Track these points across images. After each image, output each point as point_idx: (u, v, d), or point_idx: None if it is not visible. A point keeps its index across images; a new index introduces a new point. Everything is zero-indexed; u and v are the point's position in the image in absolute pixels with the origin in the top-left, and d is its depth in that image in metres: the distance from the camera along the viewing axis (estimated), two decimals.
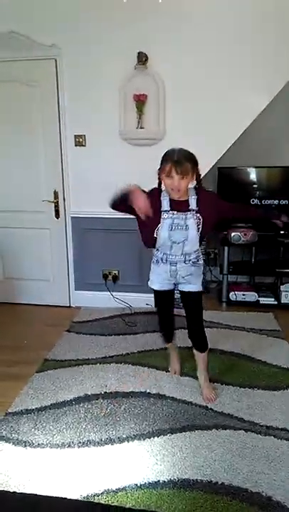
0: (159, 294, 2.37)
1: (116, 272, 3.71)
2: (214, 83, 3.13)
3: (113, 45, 3.16)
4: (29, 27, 3.19)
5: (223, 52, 3.07)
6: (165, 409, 2.32)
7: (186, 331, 2.40)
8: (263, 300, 3.81)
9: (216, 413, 2.29)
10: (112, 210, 3.47)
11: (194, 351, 2.42)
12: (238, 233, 3.65)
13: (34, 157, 3.50)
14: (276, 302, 3.78)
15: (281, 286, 3.79)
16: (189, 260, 2.20)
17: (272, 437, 2.10)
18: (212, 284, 4.20)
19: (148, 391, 2.49)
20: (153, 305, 3.63)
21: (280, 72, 3.04)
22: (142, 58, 3.06)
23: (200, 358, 2.42)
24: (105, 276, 3.72)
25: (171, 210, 2.11)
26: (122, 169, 3.42)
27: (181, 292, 2.32)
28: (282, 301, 3.76)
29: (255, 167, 3.84)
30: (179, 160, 2.00)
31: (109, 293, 3.70)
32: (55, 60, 3.28)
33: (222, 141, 3.22)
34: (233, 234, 3.66)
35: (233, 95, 3.12)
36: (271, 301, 3.80)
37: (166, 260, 2.20)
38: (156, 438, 2.11)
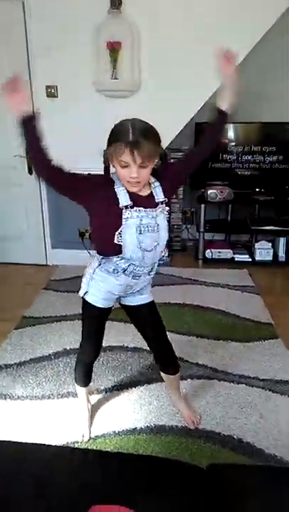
0: (99, 314, 1.72)
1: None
2: (190, 31, 3.00)
3: None
4: None
5: (200, 1, 2.93)
6: (142, 362, 2.39)
7: None
8: (238, 257, 3.87)
9: (191, 364, 2.38)
10: (88, 166, 3.37)
11: (165, 377, 1.92)
12: (215, 191, 3.65)
13: (2, 109, 3.31)
14: (250, 259, 3.86)
15: (256, 244, 3.86)
16: (153, 270, 1.64)
17: (244, 385, 2.21)
18: (189, 242, 4.23)
19: (125, 345, 2.55)
20: None
21: (261, 18, 2.93)
22: (116, 2, 2.89)
23: (174, 381, 1.93)
24: (82, 235, 3.68)
25: (136, 205, 1.48)
26: (96, 122, 3.30)
27: (129, 307, 1.76)
28: (256, 259, 3.84)
29: (233, 123, 3.77)
30: (137, 141, 1.35)
31: (86, 251, 3.68)
32: (23, 3, 3.04)
33: (200, 94, 3.13)
34: (209, 192, 3.65)
35: (213, 44, 2.97)
36: (246, 258, 3.88)
37: (131, 272, 1.57)
38: (133, 388, 2.19)
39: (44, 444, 1.42)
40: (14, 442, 1.39)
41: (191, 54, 3.06)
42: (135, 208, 1.48)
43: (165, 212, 1.55)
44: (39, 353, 2.47)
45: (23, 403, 2.09)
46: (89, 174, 1.57)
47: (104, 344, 2.49)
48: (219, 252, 3.86)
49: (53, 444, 1.79)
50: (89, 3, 2.98)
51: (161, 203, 1.53)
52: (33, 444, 1.45)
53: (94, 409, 2.06)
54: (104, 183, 1.50)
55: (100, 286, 1.64)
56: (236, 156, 3.82)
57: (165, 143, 3.38)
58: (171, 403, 2.06)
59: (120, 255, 1.52)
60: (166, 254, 1.67)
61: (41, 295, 3.21)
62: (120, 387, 2.20)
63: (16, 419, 2.00)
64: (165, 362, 1.87)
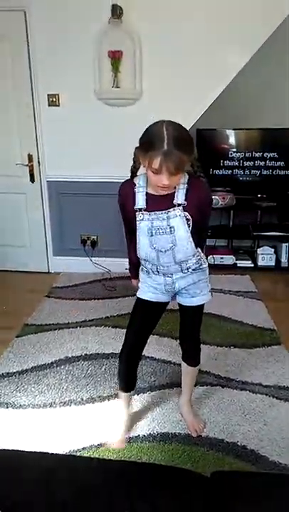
0: (145, 305, 1.75)
1: (95, 237, 3.69)
2: (192, 41, 3.03)
3: None
4: None
5: (203, 9, 2.95)
6: (144, 369, 2.38)
7: None
8: (241, 263, 3.87)
9: None
10: (89, 174, 3.44)
11: (183, 366, 1.98)
12: (217, 197, 3.65)
13: (5, 118, 3.36)
14: (253, 265, 3.85)
15: (258, 250, 3.85)
16: (188, 269, 1.65)
17: (247, 392, 2.19)
18: None
19: None
20: None
21: (260, 28, 2.95)
22: (117, 11, 2.91)
23: (189, 374, 1.98)
24: (84, 242, 3.69)
25: (147, 209, 1.54)
26: (98, 130, 3.34)
27: (180, 305, 1.82)
28: (258, 264, 3.84)
29: (234, 129, 3.79)
30: (171, 152, 1.35)
31: (88, 258, 3.69)
32: (24, 12, 3.08)
33: (201, 101, 3.15)
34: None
35: (213, 52, 3.03)
36: (248, 263, 3.87)
37: (158, 271, 1.67)
38: (136, 396, 2.17)
39: (47, 453, 1.41)
40: (17, 451, 1.38)
41: (192, 62, 3.08)
42: (147, 212, 1.54)
43: (182, 214, 1.53)
44: (41, 361, 2.47)
45: (25, 411, 2.08)
46: (118, 202, 1.65)
47: (106, 351, 2.53)
48: (221, 258, 3.86)
49: (56, 452, 1.79)
50: (90, 13, 3.02)
51: (178, 205, 1.53)
52: (35, 452, 1.44)
53: (96, 416, 2.05)
54: (127, 190, 1.58)
55: (144, 283, 1.75)
56: (238, 162, 3.83)
57: None
58: (176, 409, 2.05)
59: (140, 256, 1.65)
60: (201, 256, 1.70)
61: (43, 303, 3.21)
62: None
63: (18, 427, 1.99)
64: (188, 353, 1.96)
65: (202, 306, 1.81)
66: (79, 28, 3.07)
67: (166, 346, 2.60)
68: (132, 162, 1.58)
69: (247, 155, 3.82)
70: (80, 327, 2.84)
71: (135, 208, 1.54)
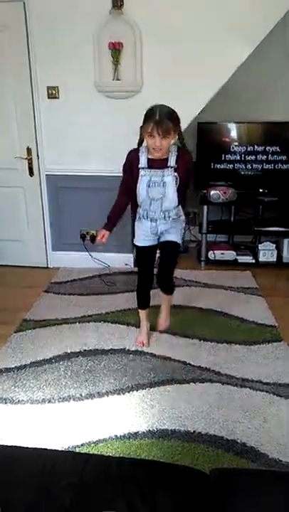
0: (141, 251, 2.40)
1: (94, 232, 3.64)
2: (194, 32, 2.98)
3: None
4: None
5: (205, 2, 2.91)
6: (144, 365, 2.36)
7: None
8: (241, 259, 3.83)
9: (194, 367, 2.34)
10: (88, 167, 3.41)
11: (161, 293, 2.53)
12: (218, 192, 3.61)
13: (3, 111, 3.32)
14: (254, 261, 3.82)
15: (259, 245, 3.82)
16: (169, 217, 2.26)
17: (247, 389, 2.17)
18: (191, 244, 4.19)
19: (127, 348, 2.52)
20: (132, 265, 3.67)
21: (263, 20, 2.90)
22: (117, 2, 2.87)
23: (166, 299, 2.56)
24: (83, 237, 3.65)
25: (148, 167, 2.14)
26: (98, 123, 3.30)
27: (161, 243, 2.36)
28: (259, 260, 3.80)
29: (236, 122, 3.75)
30: (161, 120, 1.98)
31: (87, 253, 3.66)
32: (24, 3, 3.03)
33: (202, 94, 3.10)
34: (212, 192, 3.61)
35: (215, 44, 2.98)
36: (249, 259, 3.83)
37: (147, 217, 2.26)
38: (135, 392, 2.15)
39: (45, 449, 1.39)
40: (15, 447, 1.36)
41: (192, 54, 3.03)
42: (148, 169, 2.14)
43: (173, 175, 2.14)
44: (40, 357, 2.44)
45: (23, 407, 2.06)
46: (124, 165, 2.26)
47: (105, 347, 2.51)
48: (222, 254, 3.82)
49: (55, 448, 1.77)
50: (90, 4, 2.97)
51: (171, 167, 2.13)
52: (34, 448, 1.42)
53: (95, 412, 2.03)
54: (133, 155, 2.19)
55: (137, 230, 2.36)
56: (239, 156, 3.79)
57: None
58: (176, 406, 2.04)
59: (139, 204, 2.25)
60: (180, 210, 2.30)
61: (42, 298, 3.18)
62: (122, 391, 2.16)
63: (17, 423, 1.97)
64: (162, 283, 2.48)
65: (176, 247, 2.34)
66: (79, 19, 3.02)
67: (165, 342, 2.58)
68: (138, 137, 2.18)
69: (249, 149, 3.77)
70: (79, 322, 2.81)
71: (139, 166, 2.15)
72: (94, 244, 2.60)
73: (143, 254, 2.41)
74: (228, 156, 3.79)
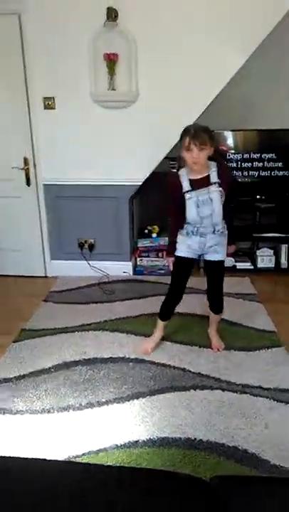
0: (181, 261, 2.40)
1: (92, 241, 3.66)
2: (189, 42, 3.01)
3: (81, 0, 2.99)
4: None
5: (199, 10, 2.94)
6: (144, 373, 2.35)
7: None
8: (240, 265, 3.84)
9: (194, 374, 2.34)
10: (86, 177, 3.43)
11: (210, 313, 2.62)
12: None
13: (0, 122, 3.34)
14: (252, 267, 3.83)
15: (257, 251, 3.83)
16: (218, 231, 2.31)
17: (247, 395, 2.16)
18: None
19: (127, 356, 2.51)
20: (130, 272, 3.67)
21: (257, 29, 2.93)
22: (112, 14, 2.90)
23: (214, 318, 2.63)
24: (81, 245, 3.66)
25: (193, 189, 2.20)
26: (94, 133, 3.32)
27: (207, 261, 2.44)
28: (258, 266, 3.81)
29: (232, 130, 3.78)
30: (196, 133, 2.08)
31: (86, 262, 3.66)
32: (19, 16, 3.07)
33: (198, 103, 3.13)
34: None
35: (209, 53, 3.01)
36: (248, 265, 3.84)
37: (197, 232, 2.29)
38: (135, 400, 2.14)
39: (45, 459, 1.39)
40: (14, 457, 1.35)
41: (187, 65, 3.06)
42: (194, 191, 2.19)
43: (218, 190, 2.19)
44: (39, 366, 2.43)
45: (22, 417, 2.05)
46: (169, 190, 2.30)
47: (105, 356, 2.50)
48: None
49: (54, 459, 1.76)
50: (85, 15, 3.00)
51: (214, 183, 2.19)
52: (33, 459, 1.42)
53: (95, 422, 2.02)
54: (174, 181, 2.25)
55: (182, 244, 2.36)
56: (236, 164, 3.81)
57: (164, 152, 3.41)
58: (176, 413, 2.02)
59: (187, 221, 2.28)
60: (224, 226, 2.34)
61: (41, 307, 3.18)
62: (121, 400, 2.15)
63: (16, 434, 1.95)
64: (213, 303, 2.58)
65: (223, 263, 2.46)
66: (74, 30, 3.06)
67: (166, 350, 2.57)
68: (177, 164, 2.33)
69: (245, 156, 3.79)
70: (78, 331, 2.81)
71: (183, 191, 2.20)
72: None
73: (182, 265, 2.41)
74: (225, 164, 3.81)
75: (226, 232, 2.38)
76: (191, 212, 2.22)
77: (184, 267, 2.42)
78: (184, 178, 2.21)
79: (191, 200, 2.20)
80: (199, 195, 2.19)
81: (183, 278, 2.44)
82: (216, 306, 2.56)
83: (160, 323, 2.58)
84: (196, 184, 2.19)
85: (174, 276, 2.47)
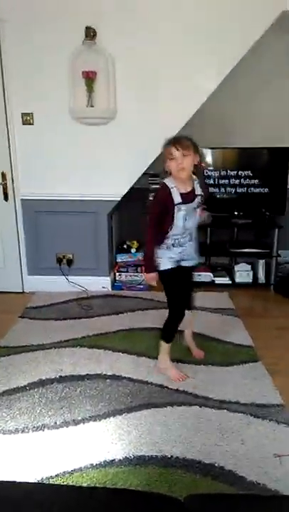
0: (174, 272, 2.35)
1: (70, 256, 3.64)
2: (166, 61, 3.09)
3: (60, 18, 3.03)
4: None
5: (176, 32, 3.03)
6: (121, 390, 2.32)
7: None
8: (218, 280, 3.87)
9: (171, 391, 2.32)
10: (64, 192, 3.42)
11: (187, 313, 2.50)
12: None
13: None
14: (231, 282, 3.86)
15: (235, 266, 3.87)
16: (194, 238, 2.38)
17: (225, 411, 2.15)
18: None
19: (104, 373, 2.48)
20: (109, 288, 3.65)
21: (233, 50, 3.02)
22: (90, 33, 2.96)
23: (189, 316, 2.58)
24: (59, 260, 3.63)
25: (183, 202, 2.20)
26: (73, 149, 3.34)
27: (183, 267, 2.39)
28: (236, 281, 3.85)
29: (211, 148, 3.85)
30: (179, 139, 2.14)
31: (64, 277, 3.63)
32: None
33: (176, 121, 3.18)
34: None
35: (188, 71, 3.08)
36: (226, 280, 3.88)
37: (178, 244, 2.31)
38: (111, 418, 2.11)
39: (13, 481, 1.34)
40: None
41: (165, 82, 3.13)
42: (184, 205, 2.20)
43: (199, 201, 2.27)
44: (13, 385, 2.37)
45: None
46: (161, 199, 2.24)
47: (82, 373, 2.47)
48: (199, 275, 3.83)
49: (28, 479, 1.71)
50: (64, 33, 3.05)
51: (199, 195, 2.26)
52: (2, 481, 1.37)
53: (70, 441, 1.97)
54: (164, 194, 2.21)
55: (164, 257, 2.32)
56: (214, 181, 3.88)
57: (142, 168, 3.45)
58: (153, 431, 2.00)
59: (169, 235, 2.27)
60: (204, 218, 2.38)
61: (17, 323, 3.12)
62: (98, 417, 2.11)
63: None
64: (190, 303, 2.59)
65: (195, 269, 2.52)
66: (53, 48, 3.10)
67: (142, 366, 2.55)
68: (161, 178, 2.36)
69: (222, 173, 3.87)
70: (55, 348, 2.76)
71: (175, 203, 2.18)
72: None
73: (176, 274, 2.36)
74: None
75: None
76: (178, 224, 2.23)
77: (177, 275, 2.38)
78: (175, 192, 2.19)
79: (180, 213, 2.21)
80: (187, 208, 2.21)
81: (182, 284, 2.41)
82: (192, 303, 2.64)
83: (169, 347, 2.47)
84: (186, 197, 2.21)
85: (174, 286, 2.37)
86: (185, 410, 2.16)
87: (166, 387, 2.35)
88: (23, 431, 2.03)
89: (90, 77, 3.06)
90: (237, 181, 3.87)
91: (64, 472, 1.79)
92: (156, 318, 3.14)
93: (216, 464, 1.81)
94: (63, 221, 3.51)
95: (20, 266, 3.65)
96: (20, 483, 1.36)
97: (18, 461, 1.85)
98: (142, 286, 3.69)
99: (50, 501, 1.19)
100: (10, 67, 3.17)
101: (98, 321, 3.14)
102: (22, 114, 3.25)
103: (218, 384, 2.38)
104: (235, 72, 3.15)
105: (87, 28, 2.96)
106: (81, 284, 3.63)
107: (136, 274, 3.77)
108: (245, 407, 2.17)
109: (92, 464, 1.83)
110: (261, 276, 3.87)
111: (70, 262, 3.64)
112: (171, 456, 1.86)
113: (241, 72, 3.31)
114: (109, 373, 2.47)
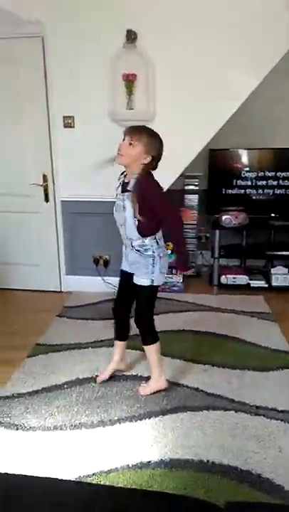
0: (120, 273, 2.29)
1: (107, 257, 3.69)
2: (206, 62, 3.07)
3: (101, 23, 3.07)
4: (14, 2, 3.08)
5: (214, 32, 3.00)
6: (157, 392, 2.33)
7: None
8: (254, 283, 3.82)
9: (207, 394, 2.31)
10: (102, 194, 3.47)
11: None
12: (229, 216, 3.63)
13: (21, 139, 3.43)
14: (267, 285, 3.80)
15: (272, 269, 3.80)
16: (132, 247, 2.10)
17: (261, 417, 2.13)
18: (203, 268, 4.20)
19: (139, 374, 2.50)
20: None
21: (273, 50, 2.98)
22: (131, 36, 2.99)
23: (145, 350, 2.30)
24: (96, 261, 3.69)
25: (122, 191, 2.06)
26: (111, 151, 3.36)
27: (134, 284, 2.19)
28: (272, 284, 3.78)
29: (247, 149, 3.80)
30: (133, 127, 2.00)
31: (100, 277, 3.69)
32: (42, 38, 3.18)
33: (213, 123, 3.17)
34: (224, 217, 3.64)
35: (225, 74, 3.06)
36: (262, 284, 3.82)
37: (123, 242, 2.20)
38: (147, 420, 2.12)
39: (55, 479, 1.39)
40: (25, 476, 1.35)
41: (204, 84, 3.12)
42: (121, 193, 2.05)
43: (131, 201, 1.98)
44: (52, 382, 2.44)
45: (34, 434, 2.05)
46: (151, 187, 2.05)
47: (118, 373, 2.50)
48: (234, 278, 3.81)
49: (65, 477, 1.75)
50: (105, 37, 3.09)
51: (129, 191, 2.00)
52: (43, 478, 1.42)
53: (106, 440, 2.01)
54: (148, 178, 2.03)
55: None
56: (251, 182, 3.83)
57: (179, 169, 3.44)
58: (189, 434, 2.00)
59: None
60: (147, 244, 2.08)
61: (55, 322, 3.20)
62: (134, 418, 2.14)
63: (27, 450, 1.95)
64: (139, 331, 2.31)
65: (145, 290, 2.15)
66: (94, 52, 3.15)
67: (177, 369, 2.55)
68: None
69: (260, 174, 3.82)
70: (92, 347, 2.81)
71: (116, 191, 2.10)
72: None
73: (121, 277, 2.29)
74: (240, 182, 3.84)
75: (151, 253, 2.08)
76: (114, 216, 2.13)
77: (122, 278, 2.27)
78: (120, 178, 2.10)
79: (116, 202, 2.09)
80: (118, 199, 2.06)
81: (121, 290, 2.29)
82: (141, 334, 2.27)
83: (117, 344, 2.40)
84: (122, 187, 2.06)
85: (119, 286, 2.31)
86: (221, 415, 2.15)
87: (202, 390, 2.34)
88: (61, 428, 2.09)
89: (130, 80, 3.09)
90: (275, 182, 3.82)
91: (100, 472, 1.82)
92: (191, 320, 3.14)
93: (253, 471, 1.80)
94: (100, 222, 3.56)
95: (59, 266, 3.74)
96: (60, 480, 1.40)
97: (56, 458, 1.90)
98: (176, 288, 3.69)
99: (91, 501, 1.22)
100: (53, 71, 3.25)
101: (133, 322, 3.16)
102: (64, 117, 3.33)
103: (254, 389, 2.35)
104: (272, 73, 3.09)
105: (128, 31, 2.99)
106: (117, 284, 3.66)
107: (170, 275, 3.77)
108: (283, 414, 2.14)
109: (128, 465, 1.85)
110: None
111: (106, 263, 3.69)
112: (208, 461, 1.86)
113: (278, 72, 3.24)
114: (145, 374, 2.49)
